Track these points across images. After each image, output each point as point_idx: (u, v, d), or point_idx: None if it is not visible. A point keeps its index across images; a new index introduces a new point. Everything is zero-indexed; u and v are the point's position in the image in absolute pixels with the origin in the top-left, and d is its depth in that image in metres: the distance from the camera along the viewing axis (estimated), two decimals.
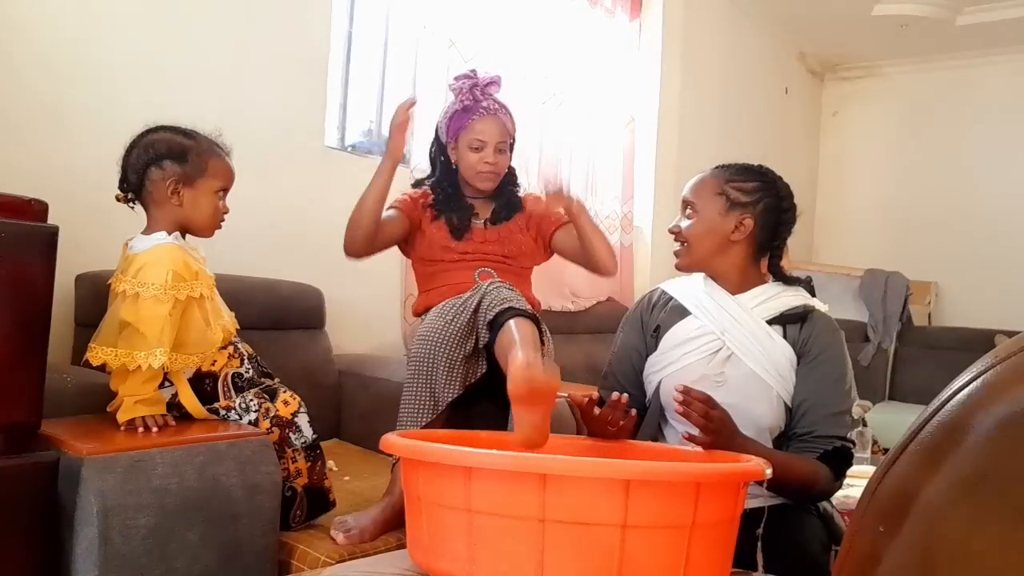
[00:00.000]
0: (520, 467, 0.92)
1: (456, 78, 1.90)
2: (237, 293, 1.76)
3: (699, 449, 1.26)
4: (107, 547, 1.18)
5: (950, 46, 4.77)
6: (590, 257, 1.85)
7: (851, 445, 1.38)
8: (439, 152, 1.93)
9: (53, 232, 1.20)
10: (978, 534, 0.45)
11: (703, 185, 1.49)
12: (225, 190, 1.52)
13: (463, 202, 1.90)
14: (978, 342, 3.67)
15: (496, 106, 1.88)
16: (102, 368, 1.38)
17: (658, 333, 1.53)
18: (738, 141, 4.26)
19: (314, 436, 1.53)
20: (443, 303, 1.60)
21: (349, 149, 2.67)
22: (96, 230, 1.68)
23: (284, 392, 1.54)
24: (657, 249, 3.61)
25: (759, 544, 1.24)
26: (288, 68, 2.30)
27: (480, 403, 1.63)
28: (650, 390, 1.52)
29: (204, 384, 1.49)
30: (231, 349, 1.53)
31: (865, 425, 2.72)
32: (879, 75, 5.30)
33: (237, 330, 1.58)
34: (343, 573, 1.18)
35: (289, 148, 2.31)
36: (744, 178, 1.47)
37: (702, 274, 1.51)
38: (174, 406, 1.45)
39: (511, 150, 1.91)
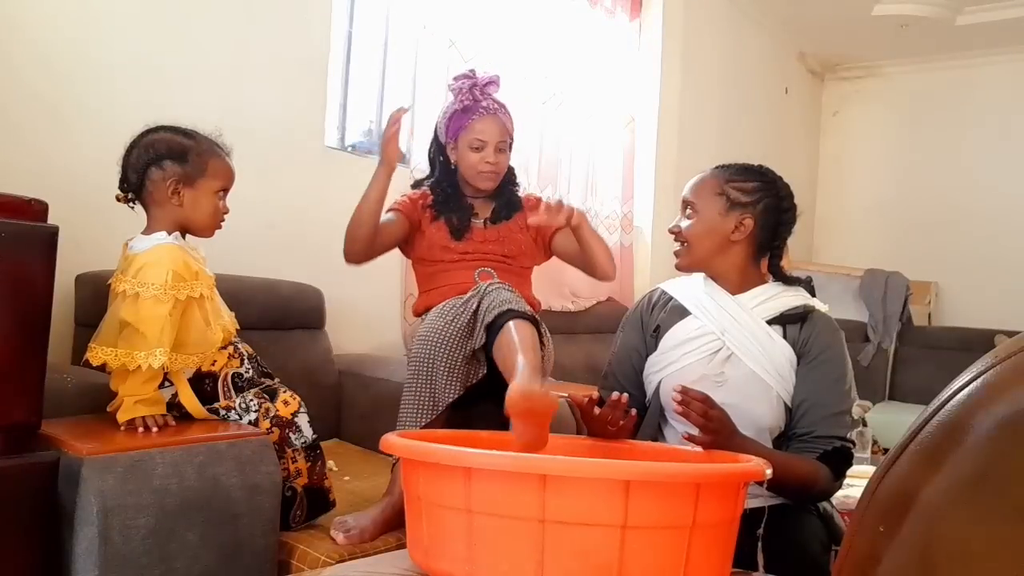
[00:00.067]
0: (520, 468, 0.92)
1: (455, 78, 1.90)
2: (237, 293, 1.76)
3: (699, 449, 1.26)
4: (107, 547, 1.18)
5: (950, 46, 4.77)
6: (589, 262, 1.86)
7: (851, 445, 1.38)
8: (438, 152, 1.93)
9: (53, 232, 1.20)
10: (978, 534, 0.45)
11: (703, 185, 1.49)
12: (225, 190, 1.52)
13: (462, 202, 1.90)
14: (978, 342, 3.67)
15: (496, 106, 1.88)
16: (102, 368, 1.38)
17: (658, 333, 1.53)
18: (738, 141, 4.26)
19: (314, 436, 1.53)
20: (443, 303, 1.60)
21: (349, 149, 2.67)
22: (96, 230, 1.68)
23: (284, 392, 1.54)
24: (657, 249, 3.61)
25: (759, 544, 1.24)
26: (288, 68, 2.30)
27: (480, 404, 1.63)
28: (650, 390, 1.52)
29: (204, 384, 1.49)
30: (231, 349, 1.53)
31: (865, 425, 2.72)
32: (879, 75, 5.30)
33: (237, 330, 1.58)
34: (343, 573, 1.18)
35: (289, 148, 2.31)
36: (744, 178, 1.47)
37: (702, 274, 1.51)
38: (174, 406, 1.45)
39: (510, 149, 1.92)
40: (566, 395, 1.96)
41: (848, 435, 1.37)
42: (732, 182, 1.46)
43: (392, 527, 1.48)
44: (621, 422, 1.35)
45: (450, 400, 1.50)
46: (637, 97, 3.63)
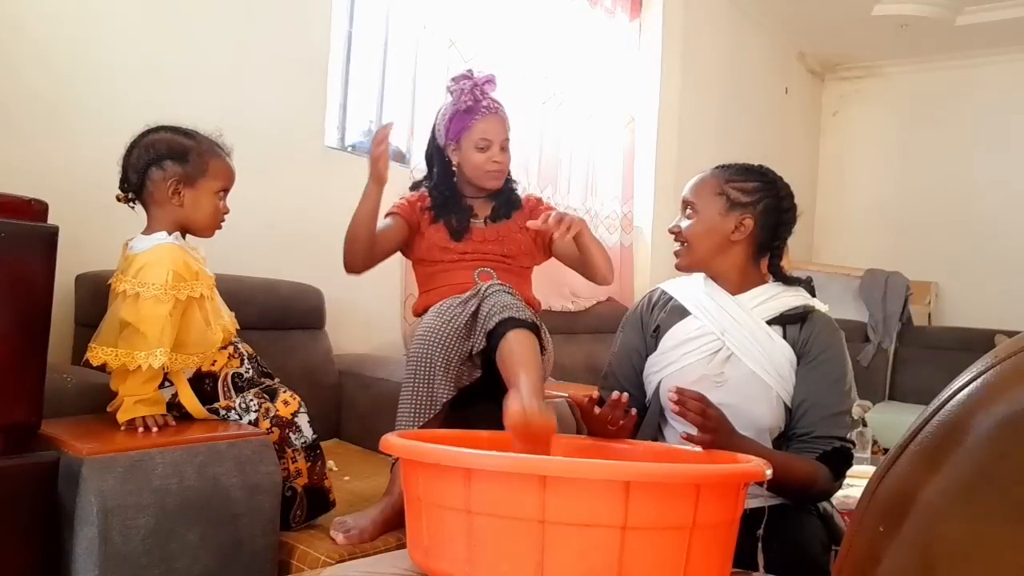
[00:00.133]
0: (520, 468, 0.92)
1: (454, 79, 1.89)
2: (237, 293, 1.76)
3: (699, 449, 1.26)
4: (107, 547, 1.18)
5: (950, 46, 4.77)
6: (588, 267, 1.86)
7: (851, 445, 1.38)
8: (436, 155, 1.93)
9: (53, 232, 1.20)
10: (978, 534, 0.45)
11: (703, 185, 1.49)
12: (226, 190, 1.52)
13: (462, 203, 1.90)
14: (978, 342, 3.67)
15: (496, 104, 1.88)
16: (102, 368, 1.38)
17: (658, 333, 1.53)
18: (738, 141, 4.26)
19: (314, 436, 1.53)
20: (441, 303, 1.60)
21: (349, 149, 2.67)
22: (96, 230, 1.68)
23: (284, 392, 1.54)
24: (657, 249, 3.61)
25: (759, 544, 1.24)
26: (288, 68, 2.30)
27: (479, 403, 1.63)
28: (650, 390, 1.52)
29: (204, 384, 1.49)
30: (231, 349, 1.53)
31: (865, 425, 2.72)
32: (879, 75, 5.30)
33: (237, 330, 1.58)
34: (343, 573, 1.17)
35: (289, 148, 2.31)
36: (744, 178, 1.47)
37: (702, 274, 1.51)
38: (174, 406, 1.45)
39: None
40: (566, 395, 1.96)
41: (848, 435, 1.37)
42: (732, 182, 1.46)
43: (392, 527, 1.48)
44: (621, 422, 1.35)
45: (445, 400, 1.50)
46: (637, 97, 3.63)
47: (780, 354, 1.40)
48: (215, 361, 1.50)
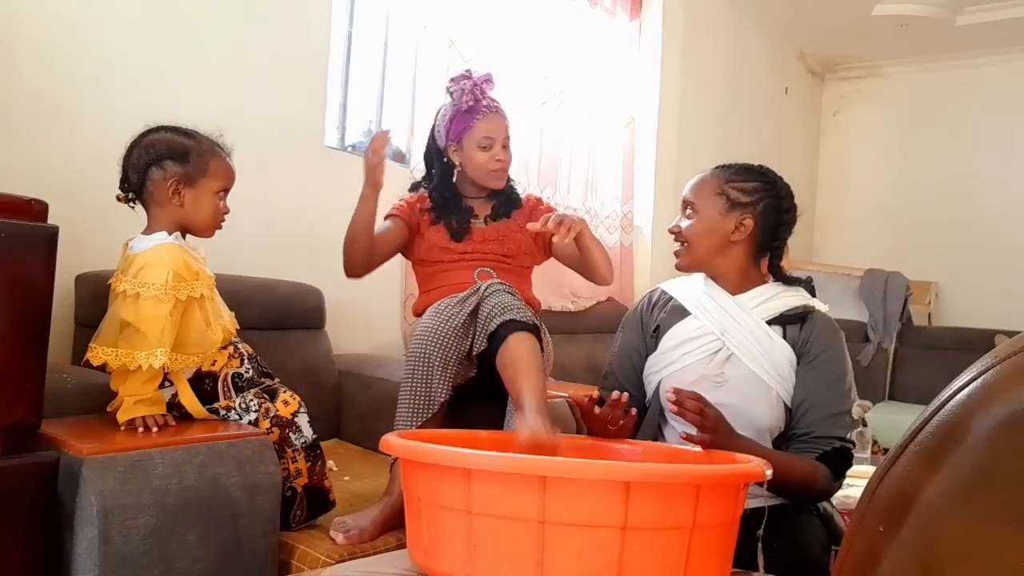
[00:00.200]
0: (520, 469, 0.92)
1: (454, 80, 1.89)
2: (237, 293, 1.76)
3: (698, 449, 1.26)
4: (107, 547, 1.18)
5: (950, 46, 4.77)
6: (588, 267, 1.86)
7: (851, 445, 1.38)
8: (436, 156, 1.93)
9: (53, 232, 1.20)
10: (978, 534, 0.45)
11: (703, 185, 1.49)
12: (226, 190, 1.52)
13: (462, 204, 1.90)
14: (978, 342, 3.67)
15: (496, 103, 1.88)
16: (102, 368, 1.38)
17: (658, 333, 1.53)
18: (738, 141, 4.26)
19: (314, 436, 1.53)
20: (439, 302, 1.60)
21: (349, 149, 2.66)
22: (96, 230, 1.68)
23: (284, 392, 1.54)
24: (657, 249, 3.61)
25: (759, 545, 1.24)
26: (288, 68, 2.30)
27: (478, 403, 1.63)
28: (650, 390, 1.51)
29: (204, 384, 1.49)
30: (231, 349, 1.53)
31: (865, 425, 2.72)
32: (879, 75, 5.30)
33: (237, 330, 1.58)
34: (343, 573, 1.17)
35: (289, 148, 2.31)
36: (744, 178, 1.47)
37: (702, 274, 1.51)
38: (174, 406, 1.45)
39: None
40: (566, 395, 1.96)
41: (848, 435, 1.37)
42: (732, 182, 1.46)
43: (392, 527, 1.48)
44: (621, 421, 1.35)
45: (442, 399, 1.50)
46: (637, 97, 3.63)
47: (780, 354, 1.40)
48: (215, 361, 1.50)
